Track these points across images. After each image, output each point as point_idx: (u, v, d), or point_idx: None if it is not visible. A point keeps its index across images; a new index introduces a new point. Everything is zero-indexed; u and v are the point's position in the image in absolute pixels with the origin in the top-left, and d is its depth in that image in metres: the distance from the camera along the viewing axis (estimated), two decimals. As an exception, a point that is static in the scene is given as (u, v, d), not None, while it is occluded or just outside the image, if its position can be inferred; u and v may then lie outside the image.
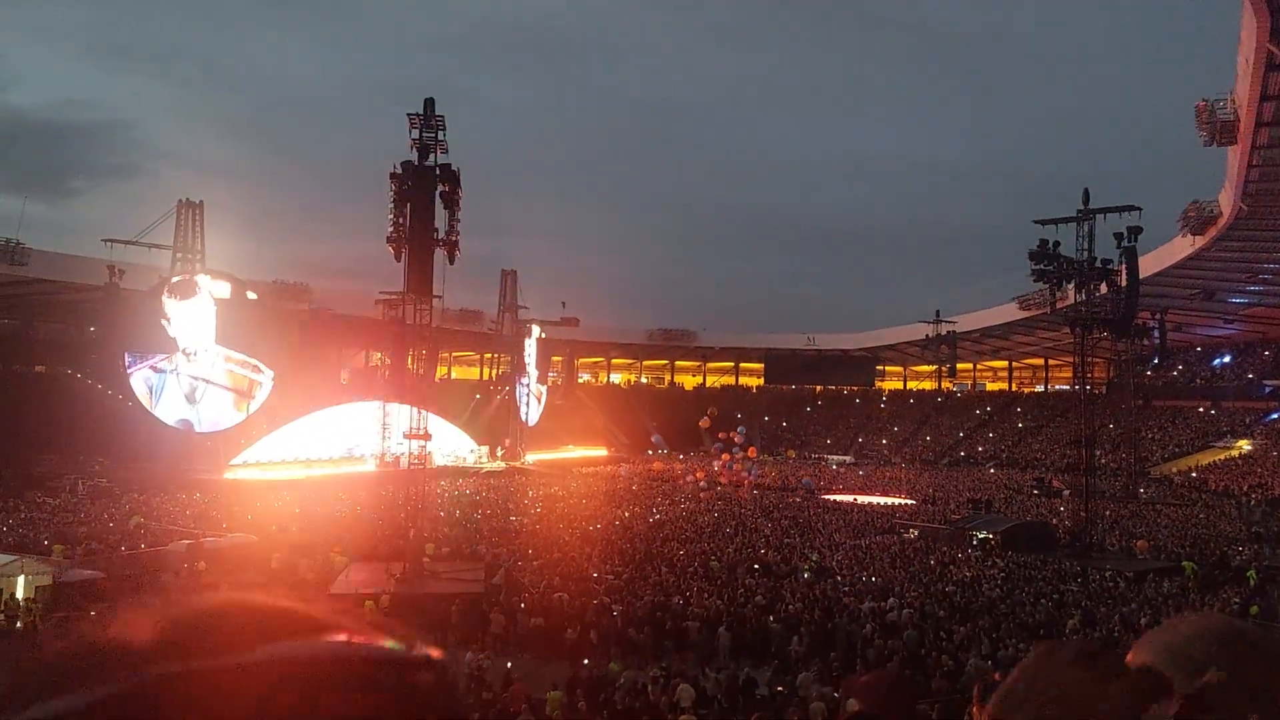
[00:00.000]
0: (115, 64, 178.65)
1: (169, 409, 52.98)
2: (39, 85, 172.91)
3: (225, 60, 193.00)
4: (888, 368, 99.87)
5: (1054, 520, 40.76)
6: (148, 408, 52.01)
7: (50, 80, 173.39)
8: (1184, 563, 30.13)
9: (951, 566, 29.22)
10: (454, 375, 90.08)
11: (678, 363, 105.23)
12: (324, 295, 74.35)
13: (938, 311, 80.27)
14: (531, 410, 76.29)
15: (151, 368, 52.51)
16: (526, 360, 76.15)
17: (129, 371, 51.73)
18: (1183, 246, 55.39)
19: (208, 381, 54.68)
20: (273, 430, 57.08)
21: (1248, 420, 65.81)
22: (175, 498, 41.91)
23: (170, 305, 52.80)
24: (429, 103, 44.88)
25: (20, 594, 21.07)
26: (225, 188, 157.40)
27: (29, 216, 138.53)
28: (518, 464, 67.66)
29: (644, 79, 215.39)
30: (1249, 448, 61.67)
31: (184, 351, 53.54)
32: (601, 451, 79.11)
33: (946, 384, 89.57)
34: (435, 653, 0.59)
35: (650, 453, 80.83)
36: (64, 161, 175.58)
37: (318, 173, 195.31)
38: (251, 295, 57.25)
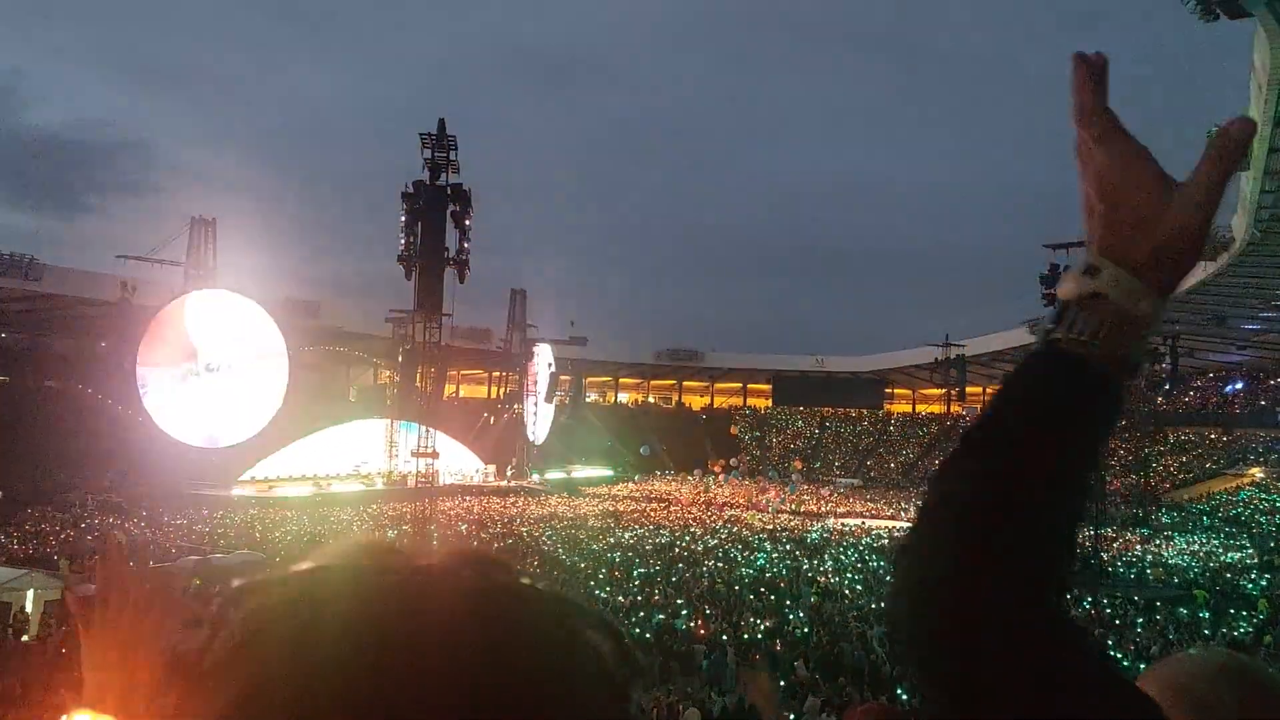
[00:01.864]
0: (132, 84, 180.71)
1: (189, 424, 53.16)
2: (58, 104, 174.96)
3: (240, 80, 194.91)
4: (896, 390, 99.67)
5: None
6: (160, 424, 52.15)
7: (69, 100, 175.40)
8: (1195, 590, 29.89)
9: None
10: (462, 394, 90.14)
11: (685, 383, 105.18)
12: (334, 312, 74.69)
13: (946, 335, 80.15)
14: (539, 429, 76.25)
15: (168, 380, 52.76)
16: (537, 378, 76.22)
17: (142, 389, 51.92)
18: (1195, 271, 55.22)
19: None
20: (281, 447, 57.18)
21: (1260, 447, 65.41)
22: (184, 513, 41.94)
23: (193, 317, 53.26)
24: (441, 123, 45.17)
25: (29, 607, 21.09)
26: (238, 205, 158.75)
27: (46, 232, 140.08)
28: (524, 483, 67.60)
29: (655, 103, 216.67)
30: (1261, 475, 61.27)
31: (207, 366, 53.94)
32: (608, 471, 79.01)
33: (955, 407, 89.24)
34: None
35: (659, 473, 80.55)
36: (81, 179, 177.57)
37: (330, 191, 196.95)
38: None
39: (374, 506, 48.74)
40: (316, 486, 55.23)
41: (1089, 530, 38.22)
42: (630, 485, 71.73)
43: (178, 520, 39.75)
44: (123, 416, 53.42)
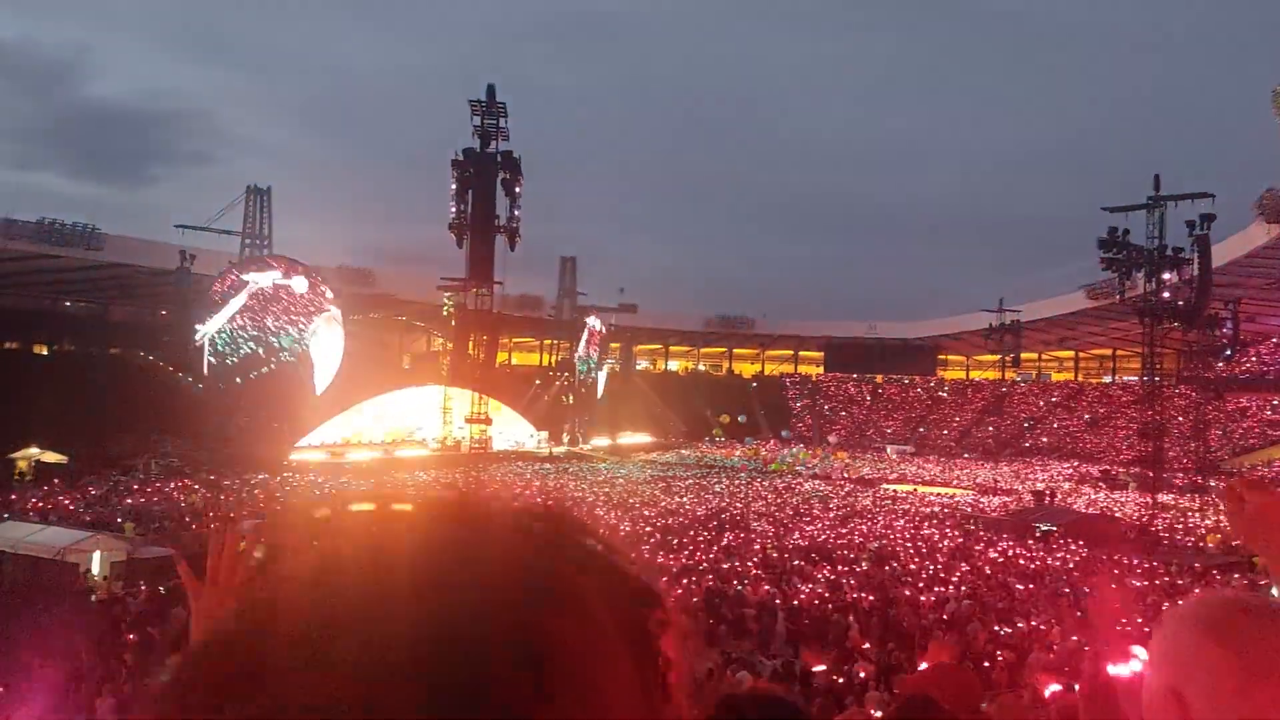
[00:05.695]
0: (194, 54, 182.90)
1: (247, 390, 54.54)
2: (122, 76, 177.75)
3: (296, 49, 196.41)
4: (950, 357, 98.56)
5: (1119, 513, 39.99)
6: (220, 390, 53.29)
7: (133, 71, 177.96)
8: (1253, 558, 29.40)
9: (1014, 559, 28.81)
10: (514, 361, 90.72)
11: (736, 350, 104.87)
12: (387, 280, 75.40)
13: (1001, 300, 78.96)
14: (596, 395, 76.80)
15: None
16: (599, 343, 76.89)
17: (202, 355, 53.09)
18: (1258, 234, 53.83)
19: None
20: (338, 414, 58.03)
21: (1325, 414, 63.89)
22: (242, 478, 42.85)
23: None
24: (491, 89, 45.20)
25: (96, 569, 21.74)
26: (293, 174, 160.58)
27: (108, 202, 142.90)
28: (578, 449, 68.06)
29: (707, 66, 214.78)
30: (1325, 442, 59.88)
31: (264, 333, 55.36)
32: (658, 438, 79.28)
33: (1010, 374, 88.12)
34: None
35: (709, 440, 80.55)
36: (144, 150, 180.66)
37: (382, 159, 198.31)
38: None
39: (431, 472, 49.34)
40: (372, 452, 56.06)
41: (1147, 497, 37.72)
42: (682, 452, 71.96)
43: (237, 484, 40.66)
44: (183, 383, 54.59)
